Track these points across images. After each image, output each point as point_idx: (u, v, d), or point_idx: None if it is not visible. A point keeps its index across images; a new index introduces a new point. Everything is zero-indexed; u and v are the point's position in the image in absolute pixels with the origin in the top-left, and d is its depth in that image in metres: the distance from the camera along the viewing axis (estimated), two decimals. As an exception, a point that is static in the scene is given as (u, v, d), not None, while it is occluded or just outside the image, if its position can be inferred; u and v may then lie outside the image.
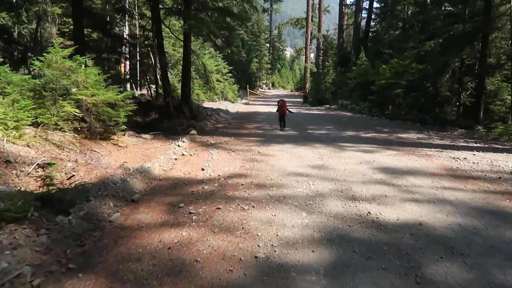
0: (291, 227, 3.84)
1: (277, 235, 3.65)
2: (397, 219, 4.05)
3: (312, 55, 46.88)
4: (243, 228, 3.82)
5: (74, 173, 5.67)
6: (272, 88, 65.83)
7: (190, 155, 7.85)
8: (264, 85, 61.93)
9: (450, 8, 18.82)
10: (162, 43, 12.50)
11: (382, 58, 23.40)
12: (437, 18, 18.85)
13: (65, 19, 19.32)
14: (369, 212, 4.23)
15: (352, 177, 5.86)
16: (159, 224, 3.98)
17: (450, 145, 9.09)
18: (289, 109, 12.23)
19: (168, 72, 22.46)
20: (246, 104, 28.50)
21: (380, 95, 19.57)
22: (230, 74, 29.38)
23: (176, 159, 7.32)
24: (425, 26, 20.80)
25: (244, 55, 45.66)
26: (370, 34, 31.45)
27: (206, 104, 21.71)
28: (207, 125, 12.96)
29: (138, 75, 23.20)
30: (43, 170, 5.64)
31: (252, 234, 3.67)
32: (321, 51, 40.29)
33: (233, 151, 8.13)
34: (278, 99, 12.95)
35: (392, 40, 26.40)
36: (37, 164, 5.65)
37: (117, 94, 9.16)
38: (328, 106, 25.71)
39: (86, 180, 5.51)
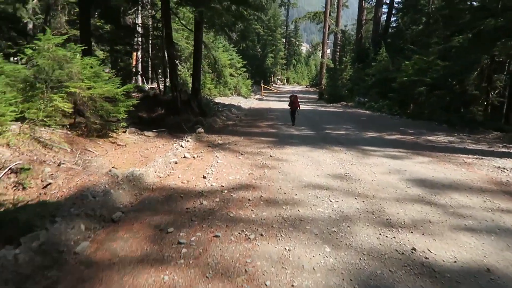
0: (312, 271, 2.80)
1: (293, 286, 2.62)
2: (454, 261, 2.97)
3: (328, 51, 45.35)
4: (246, 271, 2.79)
5: (51, 181, 4.74)
6: (286, 83, 64.48)
7: (194, 157, 6.88)
8: (278, 81, 60.63)
9: (479, 1, 17.35)
10: (170, 34, 11.52)
11: (403, 54, 22.09)
12: (464, 12, 17.39)
13: (76, 8, 18.52)
14: (414, 249, 3.16)
15: (383, 192, 4.77)
16: (137, 259, 2.99)
17: (489, 151, 7.88)
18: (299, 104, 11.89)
19: (180, 66, 21.62)
20: (259, 99, 27.41)
21: (402, 92, 18.29)
22: (244, 69, 28.29)
23: (176, 162, 6.35)
24: (451, 21, 19.31)
25: (259, 49, 44.44)
26: (390, 30, 29.97)
27: (218, 99, 20.74)
28: (217, 122, 11.98)
29: (150, 68, 22.37)
30: (16, 176, 4.74)
31: (258, 282, 2.65)
32: (338, 47, 38.78)
33: (241, 154, 7.11)
34: (290, 95, 12.53)
35: (414, 36, 24.88)
36: (10, 168, 4.75)
37: (118, 87, 8.25)
38: (344, 103, 24.46)
39: (64, 190, 4.58)
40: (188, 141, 8.28)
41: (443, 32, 20.34)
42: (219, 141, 8.50)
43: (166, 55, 13.82)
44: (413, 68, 17.99)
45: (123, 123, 8.48)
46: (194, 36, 13.03)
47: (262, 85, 33.43)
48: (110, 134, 8.42)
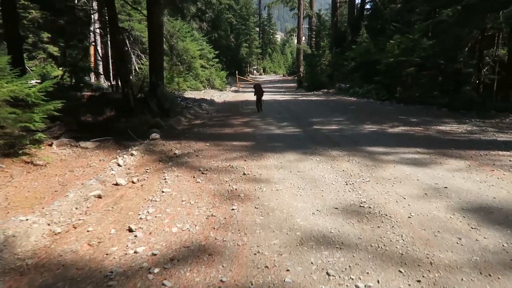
0: None
1: None
2: None
3: (303, 38, 43.06)
4: None
5: None
6: (263, 73, 62.06)
7: (132, 182, 4.57)
8: (255, 71, 58.16)
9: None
10: (115, 16, 9.00)
11: (384, 34, 20.22)
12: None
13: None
14: None
15: (440, 247, 2.60)
16: None
17: (528, 143, 5.88)
18: (263, 91, 12.15)
19: (145, 59, 18.96)
20: (235, 92, 25.00)
21: (388, 75, 16.30)
22: (217, 60, 25.68)
23: (99, 196, 4.02)
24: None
25: (233, 39, 41.67)
26: (366, 12, 28.13)
27: (189, 94, 18.24)
28: (181, 123, 9.58)
29: (111, 62, 19.60)
30: None
31: None
32: (314, 32, 36.62)
33: (203, 172, 4.81)
34: (254, 84, 12.97)
35: (394, 15, 22.91)
36: None
37: (31, 87, 5.84)
38: (326, 90, 22.38)
39: None
40: (132, 154, 5.92)
41: (424, 8, 18.45)
42: (177, 151, 6.17)
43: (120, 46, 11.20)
44: (398, 48, 16.04)
45: (39, 134, 6.04)
46: (147, 18, 10.51)
47: (237, 76, 30.92)
48: (25, 151, 5.99)
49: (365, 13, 27.95)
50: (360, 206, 3.44)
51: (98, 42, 19.52)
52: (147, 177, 4.75)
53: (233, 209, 3.47)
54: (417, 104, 12.63)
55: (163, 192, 4.07)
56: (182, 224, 3.17)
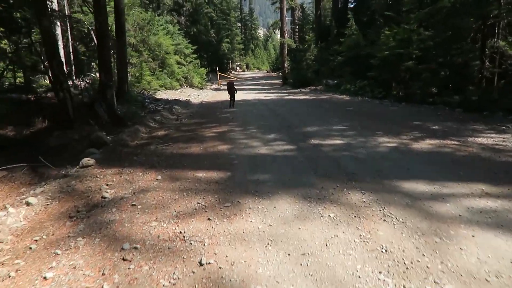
0: None
1: None
2: None
3: (286, 31, 40.69)
4: None
5: None
6: (246, 70, 59.48)
7: (-12, 283, 2.27)
8: (238, 67, 55.52)
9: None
10: (42, -4, 6.55)
11: (373, 26, 18.35)
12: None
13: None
14: None
15: None
16: None
17: None
18: (236, 89, 12.40)
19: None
20: (216, 90, 22.62)
21: (384, 70, 14.25)
22: (196, 55, 23.13)
23: None
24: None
25: (214, 35, 38.99)
26: (349, 5, 26.32)
27: (162, 94, 15.79)
28: (137, 135, 7.20)
29: (72, 60, 16.89)
30: None
31: None
32: (297, 26, 34.38)
33: (125, 258, 2.50)
34: (227, 82, 13.97)
35: (382, 5, 20.85)
36: None
37: None
38: (313, 87, 20.21)
39: None
40: (28, 203, 3.58)
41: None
42: (108, 193, 3.84)
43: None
44: (394, 40, 14.01)
45: None
46: (93, 2, 8.04)
47: (218, 73, 28.40)
48: None
49: (349, 5, 26.09)
50: None
51: (60, 37, 16.82)
52: (20, 267, 2.44)
53: None
54: (422, 104, 10.60)
55: None
56: None
